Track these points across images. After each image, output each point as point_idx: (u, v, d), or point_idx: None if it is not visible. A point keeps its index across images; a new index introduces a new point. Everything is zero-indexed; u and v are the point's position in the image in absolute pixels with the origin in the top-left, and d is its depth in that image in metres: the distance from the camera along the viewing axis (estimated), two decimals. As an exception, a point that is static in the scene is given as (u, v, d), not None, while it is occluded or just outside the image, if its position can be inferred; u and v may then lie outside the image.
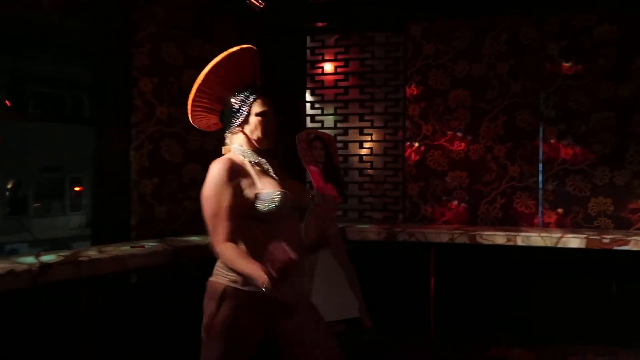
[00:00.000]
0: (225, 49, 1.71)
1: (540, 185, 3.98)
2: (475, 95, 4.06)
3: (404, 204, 4.22)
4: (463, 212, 4.09)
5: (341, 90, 4.44)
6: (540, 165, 3.97)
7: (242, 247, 1.66)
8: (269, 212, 1.67)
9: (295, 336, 1.75)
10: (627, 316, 3.66)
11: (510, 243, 3.50)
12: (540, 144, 3.97)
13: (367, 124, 4.38)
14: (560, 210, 3.94)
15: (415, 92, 4.17)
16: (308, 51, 4.49)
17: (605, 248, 3.36)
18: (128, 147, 3.37)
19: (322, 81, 4.50)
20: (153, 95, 3.45)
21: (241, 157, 1.74)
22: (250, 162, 1.74)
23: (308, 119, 4.50)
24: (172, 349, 2.83)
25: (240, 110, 1.74)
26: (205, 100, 1.76)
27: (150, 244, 3.04)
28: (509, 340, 3.68)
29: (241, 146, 1.76)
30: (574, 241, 3.41)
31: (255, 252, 1.61)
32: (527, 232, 3.57)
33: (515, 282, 3.83)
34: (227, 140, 1.79)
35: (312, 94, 4.53)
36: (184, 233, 3.47)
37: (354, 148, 4.44)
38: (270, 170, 1.77)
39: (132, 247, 2.94)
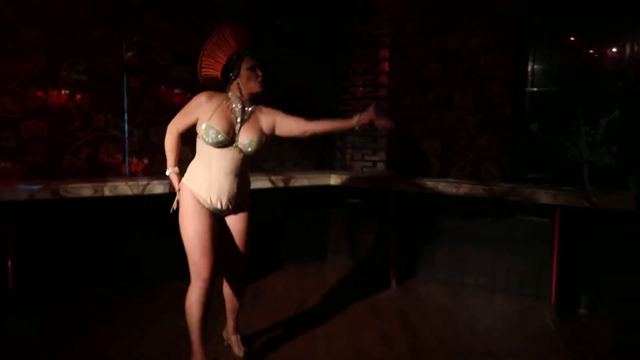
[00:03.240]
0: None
1: (126, 135, 4.00)
2: (52, 40, 3.66)
3: (-35, 159, 3.47)
4: (43, 164, 3.70)
5: None
6: (126, 115, 3.98)
7: (175, 144, 2.54)
8: (212, 142, 2.34)
9: (230, 226, 2.58)
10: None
11: (98, 194, 3.42)
12: (125, 93, 3.96)
13: None
14: (145, 160, 4.10)
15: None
16: None
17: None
18: None
19: None
20: None
21: (227, 100, 2.41)
22: (231, 105, 2.40)
23: None
24: None
25: (234, 67, 2.41)
26: (210, 61, 2.47)
27: None
28: (109, 293, 3.69)
29: (233, 93, 2.42)
30: (159, 187, 3.63)
31: (201, 165, 2.43)
32: (115, 181, 3.57)
33: (105, 232, 3.82)
34: (226, 90, 2.44)
35: None
36: None
37: None
38: (236, 114, 2.40)
39: None
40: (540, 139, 4.00)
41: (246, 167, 2.49)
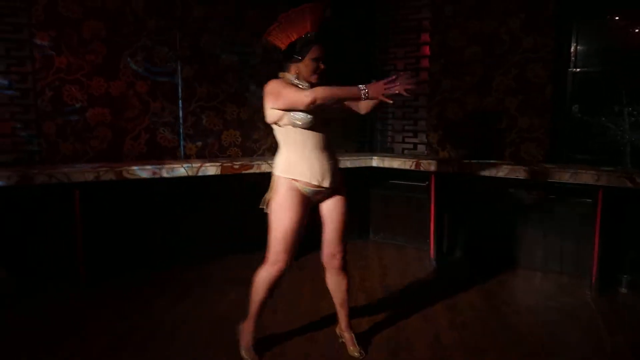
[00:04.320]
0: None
1: (181, 121, 4.28)
2: (109, 28, 3.94)
3: (39, 144, 3.82)
4: (107, 148, 4.02)
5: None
6: (180, 102, 4.24)
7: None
8: (303, 124, 2.34)
9: (325, 216, 2.60)
10: (255, 227, 4.47)
11: (156, 175, 3.70)
12: (180, 81, 4.22)
13: (-18, 51, 3.67)
14: (199, 143, 4.36)
15: (42, 19, 3.73)
16: None
17: (235, 173, 3.96)
18: None
19: None
20: None
21: (291, 82, 2.40)
22: (297, 86, 2.39)
23: None
24: None
25: (301, 51, 2.38)
26: (281, 35, 2.40)
27: None
28: (165, 266, 4.01)
29: (294, 75, 2.43)
30: (211, 169, 3.88)
31: (294, 152, 2.42)
32: (171, 163, 3.84)
33: (162, 211, 4.13)
34: (285, 68, 2.47)
35: None
36: None
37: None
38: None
39: None
40: (582, 120, 4.00)
41: (331, 140, 2.51)
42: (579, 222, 3.80)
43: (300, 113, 2.32)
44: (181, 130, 4.27)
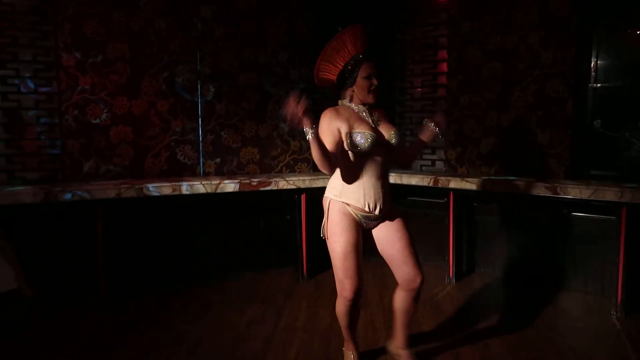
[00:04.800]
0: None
1: (200, 138, 4.35)
2: (134, 50, 4.06)
3: (63, 162, 3.92)
4: (129, 166, 4.11)
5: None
6: (200, 120, 4.32)
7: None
8: (362, 149, 2.32)
9: (382, 240, 2.54)
10: (273, 244, 4.50)
11: (176, 192, 3.76)
12: (199, 100, 4.31)
13: (12, 72, 3.80)
14: (218, 160, 4.42)
15: (69, 41, 3.86)
16: None
17: (253, 190, 4.00)
18: None
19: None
20: None
21: (347, 108, 2.42)
22: (353, 111, 2.41)
23: None
24: None
25: (351, 74, 2.39)
26: (328, 66, 2.43)
27: None
28: (184, 282, 4.04)
29: (349, 100, 2.44)
30: (230, 186, 3.93)
31: (350, 180, 2.40)
32: (190, 180, 3.89)
33: (182, 228, 4.18)
34: (341, 96, 2.46)
35: None
36: None
37: (-6, 100, 3.80)
38: (367, 116, 2.42)
39: None
40: (603, 135, 3.93)
41: (389, 169, 2.51)
42: (602, 240, 3.71)
43: (360, 138, 2.31)
44: (200, 148, 4.34)
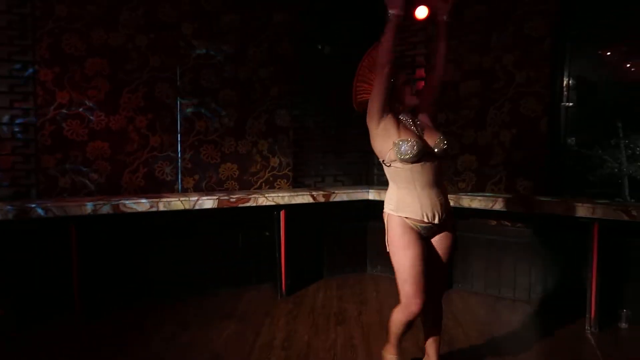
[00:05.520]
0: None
1: (179, 154, 4.33)
2: (114, 66, 4.05)
3: (37, 177, 3.86)
4: (105, 182, 4.06)
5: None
6: (179, 136, 4.30)
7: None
8: (410, 157, 2.30)
9: (433, 250, 2.50)
10: (251, 261, 4.48)
11: (153, 209, 3.72)
12: (179, 116, 4.30)
13: (-14, 87, 3.76)
14: (196, 176, 4.40)
15: (46, 56, 3.84)
16: None
17: (232, 206, 3.98)
18: None
19: None
20: None
21: (394, 117, 2.37)
22: (401, 119, 2.40)
23: None
24: None
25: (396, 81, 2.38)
26: (364, 86, 2.45)
27: None
28: (161, 300, 3.98)
29: (393, 109, 2.38)
30: (208, 202, 3.90)
31: (405, 189, 2.38)
32: (168, 197, 3.86)
33: (159, 245, 4.13)
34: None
35: None
36: None
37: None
38: (411, 124, 2.42)
39: None
40: (577, 153, 4.02)
41: (443, 175, 2.51)
42: (575, 255, 3.77)
43: (406, 147, 2.29)
44: (179, 164, 4.31)
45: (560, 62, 4.11)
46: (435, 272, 2.50)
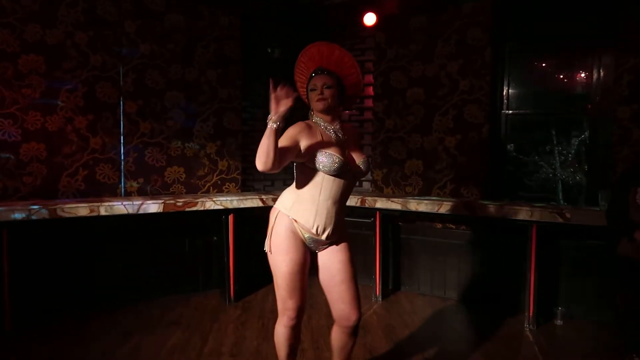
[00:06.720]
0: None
1: (122, 157, 4.16)
2: (50, 65, 3.84)
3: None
4: (40, 186, 3.84)
5: None
6: (122, 138, 4.14)
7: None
8: (327, 170, 2.19)
9: (323, 268, 2.38)
10: (198, 266, 4.37)
11: (94, 213, 3.55)
12: (122, 117, 4.13)
13: None
14: (140, 180, 4.25)
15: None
16: None
17: (179, 210, 3.87)
18: None
19: None
20: None
21: (315, 123, 2.29)
22: (324, 130, 2.28)
23: None
24: None
25: (308, 89, 2.34)
26: (298, 83, 2.43)
27: None
28: (102, 309, 3.80)
29: (314, 115, 2.33)
30: (153, 206, 3.77)
31: (307, 193, 2.25)
32: (110, 201, 3.70)
33: (100, 251, 3.95)
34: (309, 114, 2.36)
35: None
36: None
37: None
38: (334, 137, 2.27)
39: None
40: (516, 159, 4.21)
41: (349, 194, 2.35)
42: (514, 256, 3.94)
43: (327, 160, 2.18)
44: (122, 167, 4.15)
45: (500, 71, 4.30)
46: (335, 289, 2.34)
